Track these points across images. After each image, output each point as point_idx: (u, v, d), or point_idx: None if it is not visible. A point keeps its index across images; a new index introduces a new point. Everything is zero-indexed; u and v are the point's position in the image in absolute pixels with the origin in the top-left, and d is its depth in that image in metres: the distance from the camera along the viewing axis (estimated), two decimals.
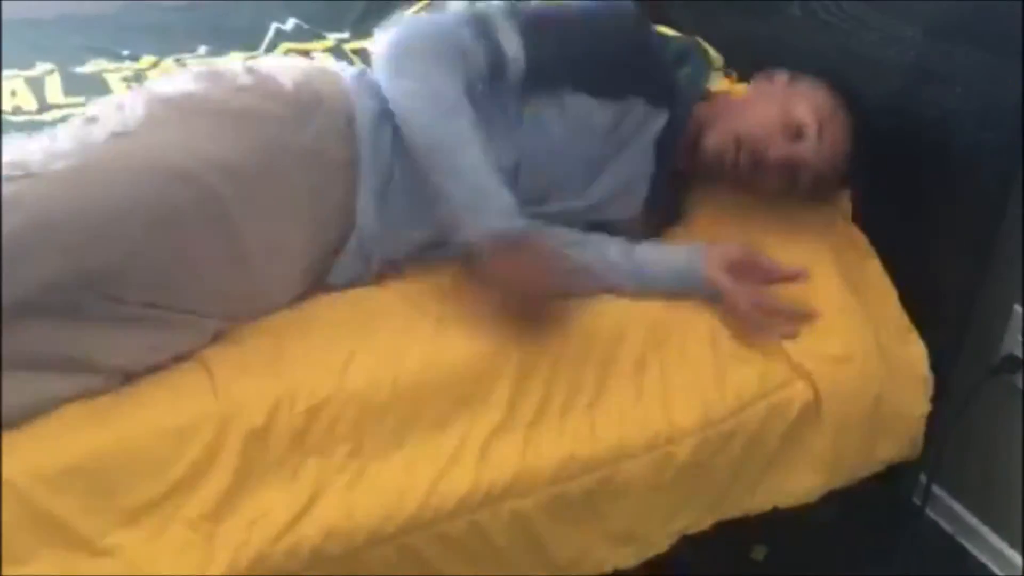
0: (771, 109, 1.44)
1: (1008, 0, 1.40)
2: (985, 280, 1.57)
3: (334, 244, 1.33)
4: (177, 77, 1.32)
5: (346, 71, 1.42)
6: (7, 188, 1.10)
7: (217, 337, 1.26)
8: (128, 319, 1.17)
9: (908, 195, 1.59)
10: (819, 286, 1.48)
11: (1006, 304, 1.60)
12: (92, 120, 1.22)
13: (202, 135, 1.21)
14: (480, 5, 1.39)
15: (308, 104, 1.30)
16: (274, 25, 2.00)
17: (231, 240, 1.22)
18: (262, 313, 1.29)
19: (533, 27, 1.38)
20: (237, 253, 1.23)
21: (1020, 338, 1.59)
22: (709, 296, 1.42)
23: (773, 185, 1.46)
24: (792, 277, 1.42)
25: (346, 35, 1.97)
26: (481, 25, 1.35)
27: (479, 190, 1.26)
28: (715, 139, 1.45)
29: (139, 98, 1.24)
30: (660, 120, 1.47)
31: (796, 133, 1.42)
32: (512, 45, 1.35)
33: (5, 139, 1.23)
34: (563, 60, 1.38)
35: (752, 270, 1.42)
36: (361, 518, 1.19)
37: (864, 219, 1.59)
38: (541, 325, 1.32)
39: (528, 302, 1.31)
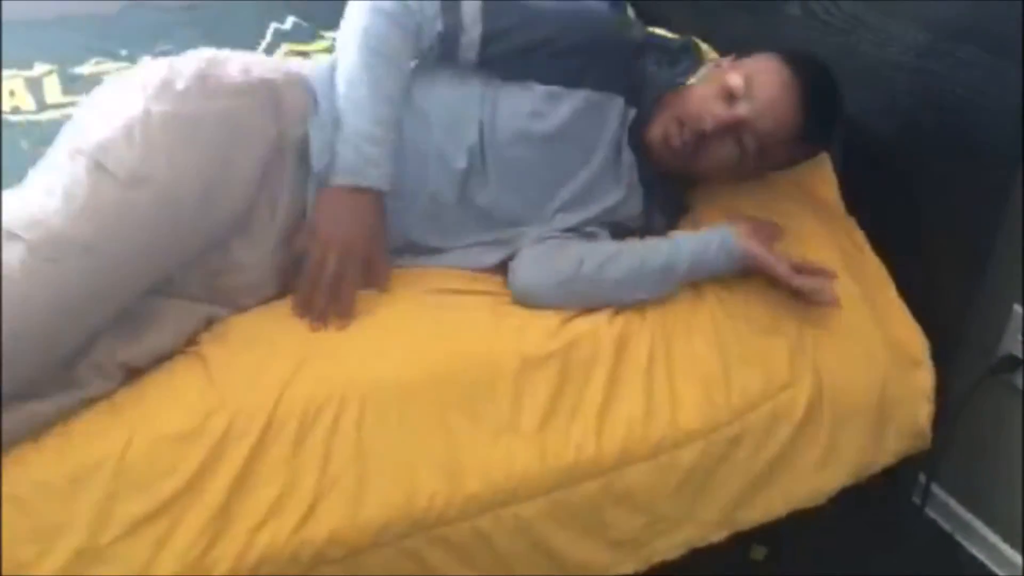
0: (709, 87, 1.44)
1: (1008, 0, 1.40)
2: (984, 280, 1.57)
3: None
4: (126, 93, 1.29)
5: (305, 65, 1.47)
6: (61, 267, 1.13)
7: (215, 335, 1.26)
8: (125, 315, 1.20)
9: (908, 195, 1.59)
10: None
11: (1005, 304, 1.60)
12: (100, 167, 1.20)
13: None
14: None
15: (260, 92, 1.33)
16: (273, 25, 2.01)
17: (209, 230, 1.26)
18: (247, 293, 1.31)
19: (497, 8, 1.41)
20: (214, 238, 1.27)
21: (1020, 338, 1.59)
22: (743, 269, 1.43)
23: (723, 155, 1.44)
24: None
25: None
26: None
27: (362, 132, 1.33)
28: (657, 128, 1.45)
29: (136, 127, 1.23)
30: (629, 113, 1.48)
31: (729, 97, 1.42)
32: (471, 18, 1.40)
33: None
34: (521, 43, 1.42)
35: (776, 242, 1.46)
36: (364, 521, 1.19)
37: (864, 219, 1.59)
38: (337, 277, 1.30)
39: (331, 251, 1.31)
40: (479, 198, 1.43)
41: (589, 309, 1.39)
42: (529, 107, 1.42)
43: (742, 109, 1.40)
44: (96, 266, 1.14)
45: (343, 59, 1.38)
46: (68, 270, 1.13)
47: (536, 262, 1.41)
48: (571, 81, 1.43)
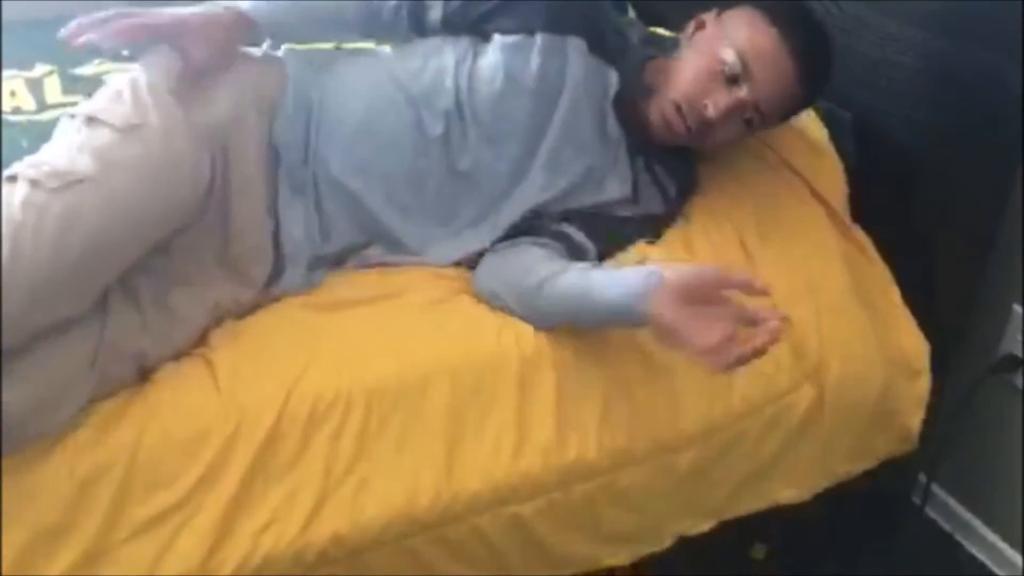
0: (701, 61, 1.42)
1: (1008, 0, 1.40)
2: (984, 280, 1.57)
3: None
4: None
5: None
6: (65, 200, 1.12)
7: (222, 338, 1.26)
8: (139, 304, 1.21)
9: (908, 194, 1.59)
10: (825, 283, 1.48)
11: (1005, 304, 1.61)
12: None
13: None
14: None
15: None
16: None
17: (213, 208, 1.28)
18: (255, 260, 1.32)
19: None
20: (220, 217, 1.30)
21: (1019, 337, 1.59)
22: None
23: (730, 135, 1.45)
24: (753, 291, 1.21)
25: None
26: None
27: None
28: (657, 113, 1.44)
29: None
30: (612, 79, 1.46)
31: (729, 79, 1.40)
32: None
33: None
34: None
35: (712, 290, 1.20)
36: (366, 521, 1.19)
37: (864, 219, 1.59)
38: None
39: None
40: (461, 162, 1.41)
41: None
42: (496, 62, 1.41)
43: (744, 92, 1.39)
44: (99, 200, 1.14)
45: None
46: (73, 201, 1.12)
47: (490, 267, 1.40)
48: (528, 28, 1.42)
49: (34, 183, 1.12)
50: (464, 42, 1.45)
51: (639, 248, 1.47)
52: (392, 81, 1.42)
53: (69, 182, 1.13)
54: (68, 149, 1.19)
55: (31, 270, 1.08)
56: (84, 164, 1.15)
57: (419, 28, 1.48)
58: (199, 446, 1.15)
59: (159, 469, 1.14)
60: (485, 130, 1.41)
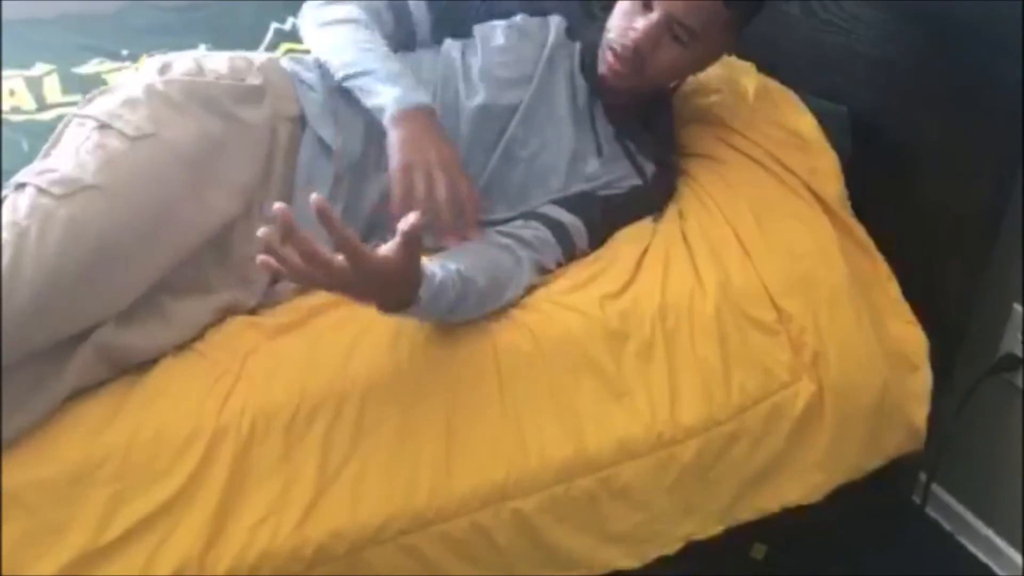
0: (623, 5, 1.46)
1: (1008, 0, 1.40)
2: (985, 279, 1.57)
3: None
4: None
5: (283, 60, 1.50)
6: (71, 207, 1.12)
7: (217, 332, 1.26)
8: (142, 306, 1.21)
9: (908, 193, 1.59)
10: (822, 277, 1.47)
11: (1006, 303, 1.61)
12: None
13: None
14: None
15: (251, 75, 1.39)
16: (273, 25, 2.00)
17: (216, 197, 1.28)
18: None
19: None
20: (219, 208, 1.29)
21: (1020, 337, 1.59)
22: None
23: (667, 57, 1.45)
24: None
25: None
26: None
27: (393, 73, 1.38)
28: (600, 64, 1.48)
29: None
30: (574, 51, 1.53)
31: (644, 6, 1.43)
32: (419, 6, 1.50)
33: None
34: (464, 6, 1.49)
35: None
36: (365, 518, 1.19)
37: (864, 218, 1.59)
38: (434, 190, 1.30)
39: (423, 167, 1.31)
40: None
41: (582, 305, 1.38)
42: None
43: (656, 13, 1.41)
44: (107, 209, 1.14)
45: (319, 44, 1.44)
46: (80, 210, 1.12)
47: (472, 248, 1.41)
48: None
49: (41, 190, 1.12)
50: (453, 52, 1.50)
51: None
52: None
53: (75, 189, 1.13)
54: (77, 153, 1.19)
55: (34, 276, 1.08)
56: (92, 171, 1.15)
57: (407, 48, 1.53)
58: (192, 442, 1.15)
59: (153, 465, 1.14)
60: (465, 130, 1.46)
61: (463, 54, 1.49)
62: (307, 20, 1.49)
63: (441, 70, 1.48)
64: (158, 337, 1.22)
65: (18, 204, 1.11)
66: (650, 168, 1.54)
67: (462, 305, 1.25)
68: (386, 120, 1.34)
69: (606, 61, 1.46)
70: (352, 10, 1.46)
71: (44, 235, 1.09)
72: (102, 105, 1.26)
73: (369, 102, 1.37)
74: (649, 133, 1.56)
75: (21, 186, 1.15)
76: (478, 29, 1.52)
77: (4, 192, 1.16)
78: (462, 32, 1.52)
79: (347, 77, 1.39)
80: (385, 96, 1.34)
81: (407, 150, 1.31)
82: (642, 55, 1.43)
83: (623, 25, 1.44)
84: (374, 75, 1.37)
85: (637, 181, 1.53)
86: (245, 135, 1.32)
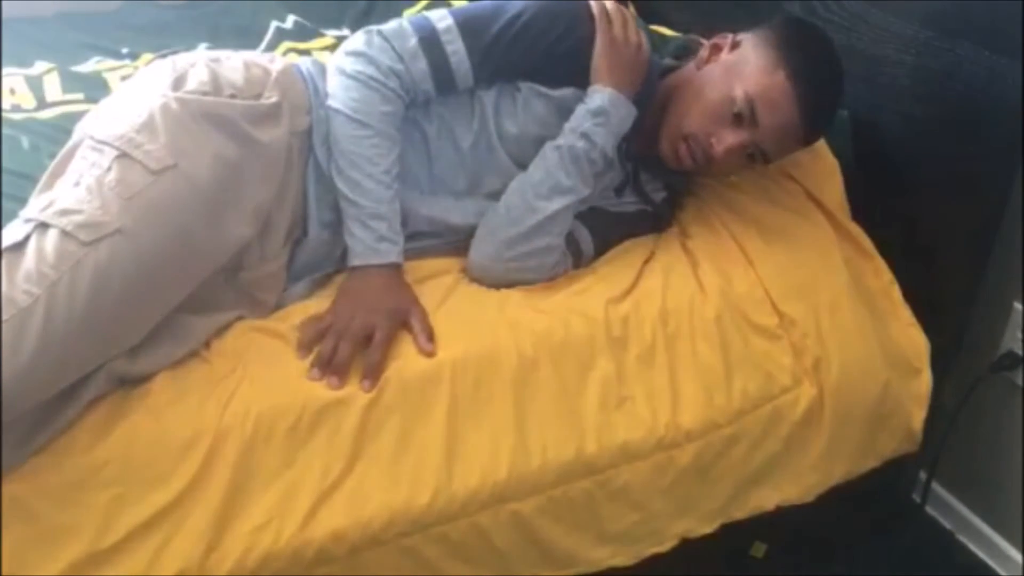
0: (712, 96, 1.43)
1: (1008, 0, 1.40)
2: (985, 277, 1.57)
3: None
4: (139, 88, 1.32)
5: (303, 64, 1.47)
6: (98, 254, 1.11)
7: (220, 338, 1.27)
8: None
9: (908, 193, 1.59)
10: (823, 282, 1.48)
11: (1006, 301, 1.61)
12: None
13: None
14: (433, 15, 1.42)
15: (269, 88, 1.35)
16: (274, 24, 2.00)
17: (238, 221, 1.27)
18: (268, 287, 1.34)
19: (474, 32, 1.40)
20: (242, 234, 1.28)
21: (1020, 335, 1.59)
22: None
23: (733, 168, 1.50)
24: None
25: (346, 33, 1.97)
26: (428, 42, 1.39)
27: (376, 214, 1.35)
28: (667, 141, 1.47)
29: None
30: None
31: (736, 119, 1.41)
32: (458, 57, 1.39)
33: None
34: (508, 60, 1.42)
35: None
36: (366, 520, 1.19)
37: (864, 218, 1.59)
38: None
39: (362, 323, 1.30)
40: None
41: (585, 309, 1.38)
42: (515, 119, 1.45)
43: (748, 135, 1.41)
44: (133, 251, 1.14)
45: (334, 124, 1.37)
46: (106, 257, 1.12)
47: (478, 237, 1.43)
48: (555, 82, 1.44)
49: (66, 233, 1.11)
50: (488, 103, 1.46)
51: None
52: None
53: (102, 235, 1.12)
54: (100, 189, 1.16)
55: (67, 330, 1.09)
56: (115, 212, 1.14)
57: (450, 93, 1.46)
58: (194, 445, 1.15)
59: (154, 468, 1.14)
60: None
61: (496, 110, 1.45)
62: (334, 87, 1.40)
63: (476, 127, 1.45)
64: (169, 356, 1.22)
65: (44, 249, 1.10)
66: (660, 195, 1.58)
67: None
68: (348, 264, 1.35)
69: (676, 148, 1.45)
70: (374, 108, 1.37)
71: (74, 286, 1.09)
72: (116, 127, 1.22)
73: (345, 234, 1.36)
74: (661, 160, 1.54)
75: (43, 226, 1.12)
76: (524, 89, 1.44)
77: (24, 224, 1.14)
78: (506, 73, 1.44)
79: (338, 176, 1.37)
80: (353, 241, 1.34)
81: (338, 308, 1.31)
82: (716, 163, 1.44)
83: (707, 127, 1.42)
84: (358, 209, 1.35)
85: (647, 208, 1.57)
86: (262, 157, 1.30)
